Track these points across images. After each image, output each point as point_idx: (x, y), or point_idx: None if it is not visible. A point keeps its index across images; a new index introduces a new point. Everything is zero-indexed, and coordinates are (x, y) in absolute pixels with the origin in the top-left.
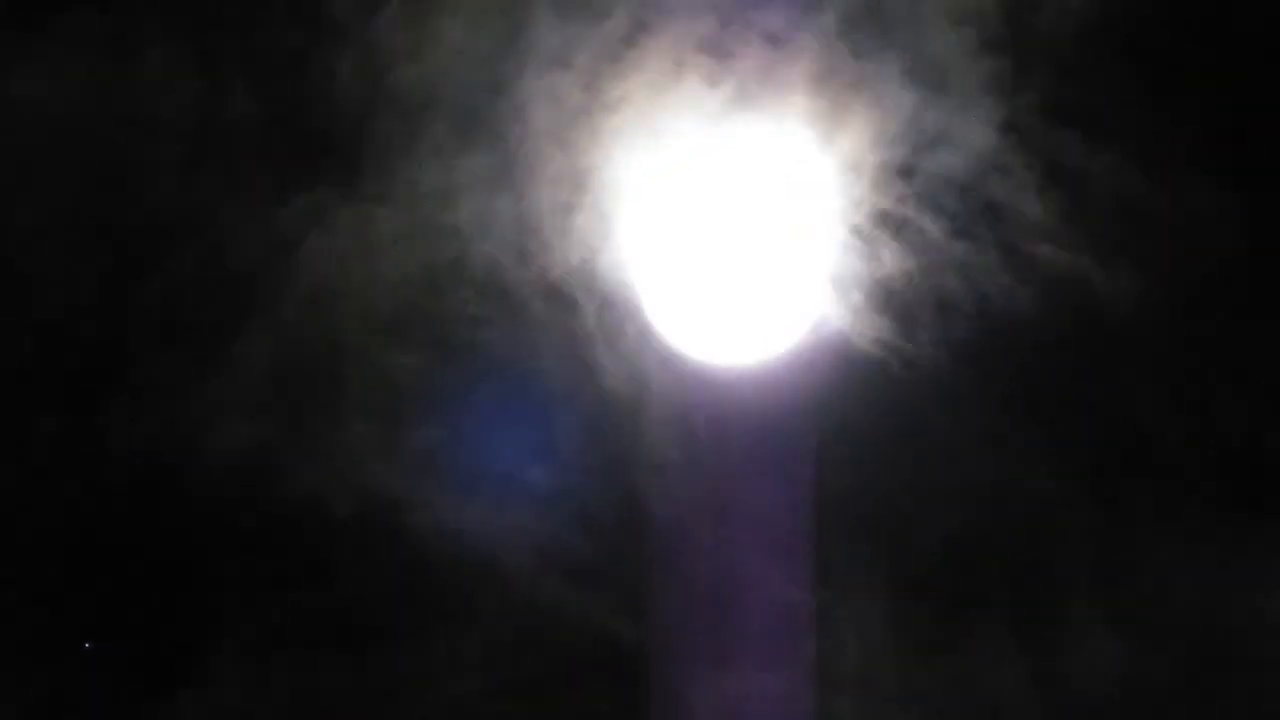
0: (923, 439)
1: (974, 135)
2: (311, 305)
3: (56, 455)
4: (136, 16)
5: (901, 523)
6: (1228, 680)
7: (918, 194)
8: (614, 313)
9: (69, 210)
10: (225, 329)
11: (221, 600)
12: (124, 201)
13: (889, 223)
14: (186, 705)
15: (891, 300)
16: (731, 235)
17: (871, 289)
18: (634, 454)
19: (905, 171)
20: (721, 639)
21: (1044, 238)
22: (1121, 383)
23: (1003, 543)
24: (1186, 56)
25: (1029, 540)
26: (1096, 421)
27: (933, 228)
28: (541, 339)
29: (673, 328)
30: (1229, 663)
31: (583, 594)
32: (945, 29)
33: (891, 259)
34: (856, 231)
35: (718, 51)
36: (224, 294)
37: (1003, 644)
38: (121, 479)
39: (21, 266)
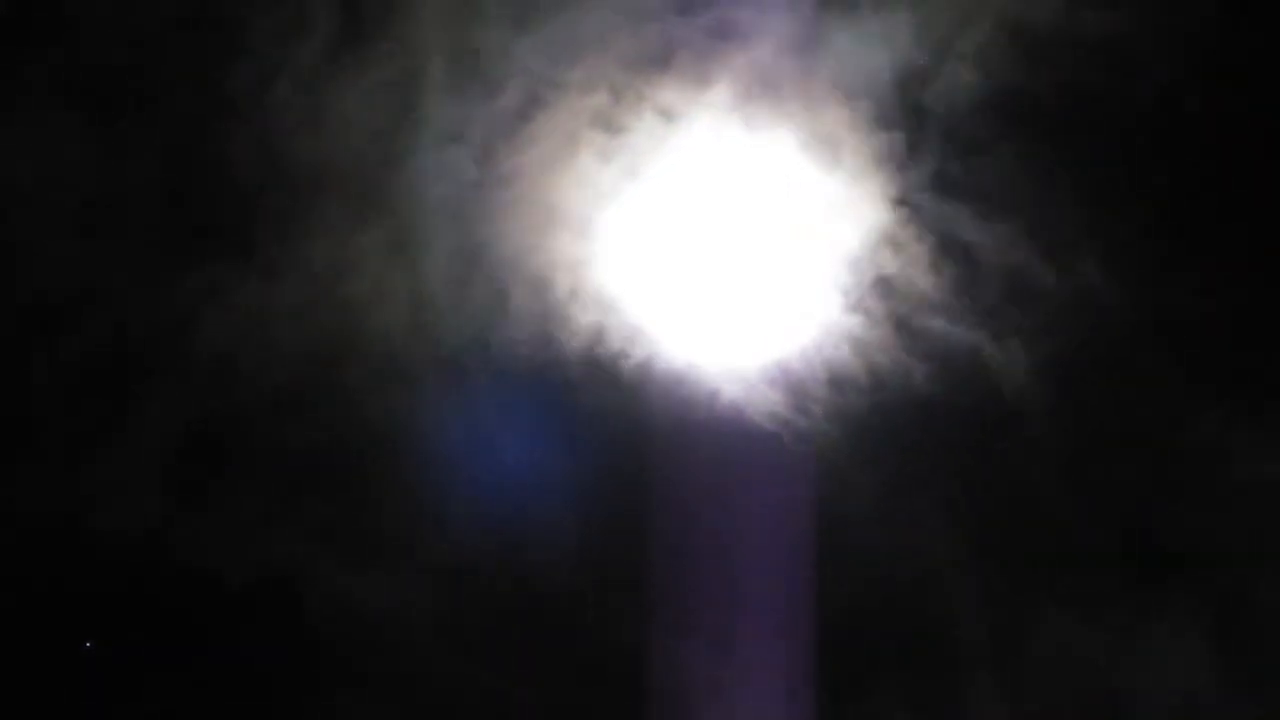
0: (814, 512)
1: (866, 209)
2: (207, 380)
3: None
4: (30, 87)
5: (794, 593)
6: None
7: (810, 266)
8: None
9: None
10: (121, 403)
11: (113, 675)
12: (17, 274)
13: (781, 295)
14: None
15: (784, 374)
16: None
17: (764, 362)
18: (525, 538)
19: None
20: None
21: (936, 312)
22: (1014, 456)
23: (896, 614)
24: (1078, 132)
25: (922, 612)
26: (989, 495)
27: (826, 301)
28: (439, 410)
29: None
30: None
31: (479, 666)
32: (838, 103)
33: (784, 333)
34: (747, 300)
35: (610, 126)
36: (120, 368)
37: (896, 715)
38: (13, 553)
39: None
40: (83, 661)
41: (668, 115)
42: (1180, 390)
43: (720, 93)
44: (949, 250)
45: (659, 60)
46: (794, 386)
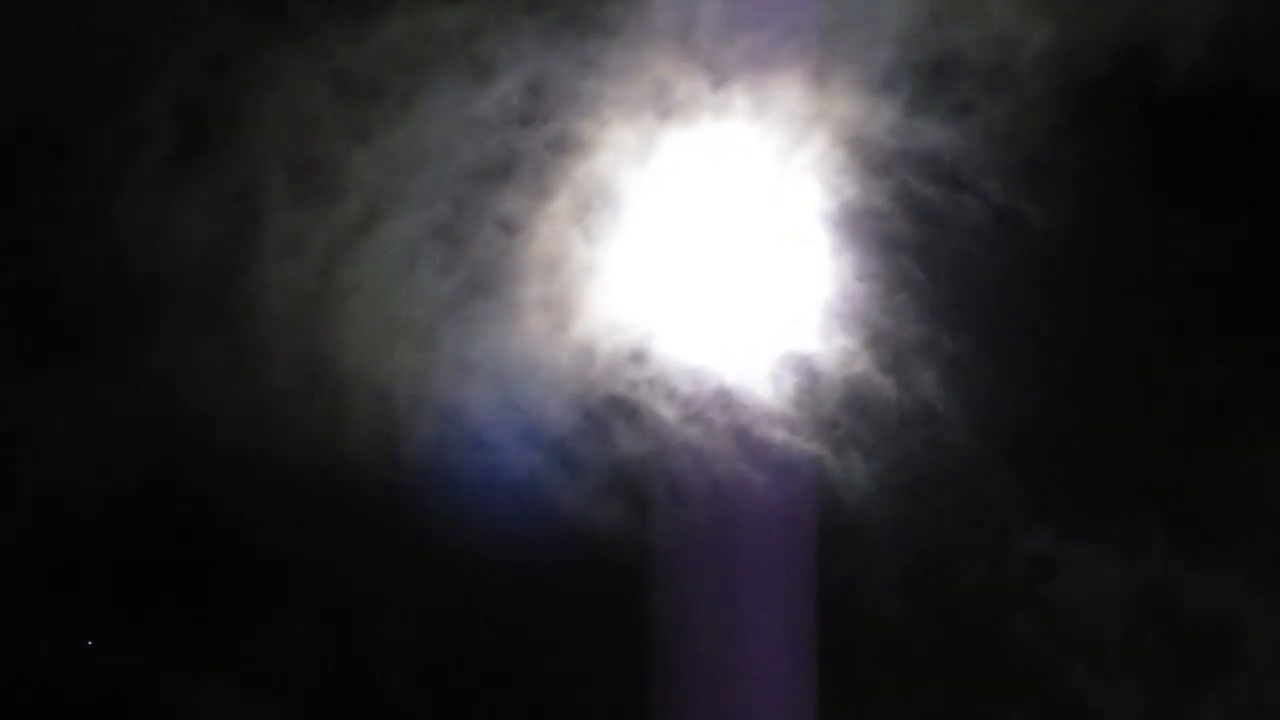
0: (658, 624)
1: (706, 320)
2: (49, 487)
3: None
4: None
5: (642, 711)
6: None
7: (650, 379)
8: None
9: None
10: None
11: None
12: None
13: (621, 408)
14: None
15: (624, 484)
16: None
17: (604, 473)
18: (366, 649)
19: (638, 357)
20: None
21: (776, 423)
22: (853, 565)
23: None
24: (917, 246)
25: (769, 715)
26: (829, 603)
27: (665, 413)
28: (280, 520)
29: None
30: None
31: None
32: (676, 213)
33: (625, 443)
34: (588, 416)
35: (450, 237)
36: None
37: None
38: None
39: None
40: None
41: (509, 226)
42: (1014, 502)
43: (558, 204)
44: (788, 362)
45: (500, 171)
46: (635, 497)
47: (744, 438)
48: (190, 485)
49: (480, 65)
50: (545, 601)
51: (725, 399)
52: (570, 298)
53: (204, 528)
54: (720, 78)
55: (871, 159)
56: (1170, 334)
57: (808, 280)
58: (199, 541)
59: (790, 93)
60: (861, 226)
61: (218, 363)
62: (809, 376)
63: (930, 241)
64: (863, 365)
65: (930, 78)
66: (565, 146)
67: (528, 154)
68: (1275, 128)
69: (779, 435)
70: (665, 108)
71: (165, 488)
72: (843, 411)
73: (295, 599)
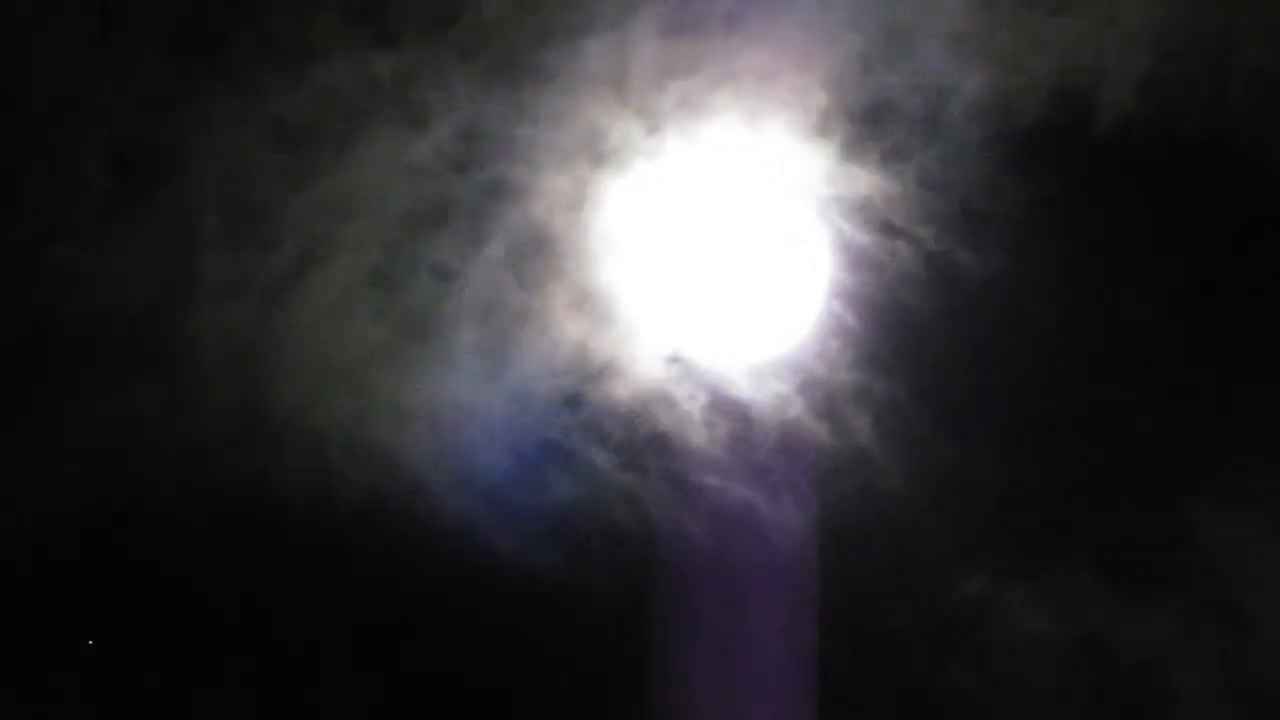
0: (597, 670)
1: (639, 367)
2: None
3: None
4: None
5: None
6: None
7: (584, 425)
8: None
9: None
10: None
11: None
12: None
13: (557, 453)
14: None
15: (560, 530)
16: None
17: (539, 519)
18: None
19: (572, 402)
20: None
21: (710, 469)
22: (786, 610)
23: None
24: (845, 294)
25: None
26: (762, 647)
27: (600, 458)
28: (214, 566)
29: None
30: None
31: None
32: (610, 259)
33: (559, 489)
34: (523, 462)
35: (385, 283)
36: None
37: None
38: None
39: None
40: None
41: (443, 272)
42: (947, 548)
43: (495, 249)
44: (722, 408)
45: (435, 217)
46: (570, 543)
47: (678, 483)
48: (123, 532)
49: (415, 111)
50: (483, 650)
51: (659, 444)
52: (505, 344)
53: (137, 575)
54: (654, 123)
55: (805, 205)
56: (1103, 381)
57: (740, 327)
58: (131, 589)
59: (721, 139)
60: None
61: (151, 408)
62: (743, 422)
63: (863, 288)
64: (796, 411)
65: (863, 124)
66: (500, 192)
67: (462, 200)
68: (1205, 175)
69: (713, 481)
70: (599, 153)
71: (97, 535)
72: (776, 457)
73: (229, 647)
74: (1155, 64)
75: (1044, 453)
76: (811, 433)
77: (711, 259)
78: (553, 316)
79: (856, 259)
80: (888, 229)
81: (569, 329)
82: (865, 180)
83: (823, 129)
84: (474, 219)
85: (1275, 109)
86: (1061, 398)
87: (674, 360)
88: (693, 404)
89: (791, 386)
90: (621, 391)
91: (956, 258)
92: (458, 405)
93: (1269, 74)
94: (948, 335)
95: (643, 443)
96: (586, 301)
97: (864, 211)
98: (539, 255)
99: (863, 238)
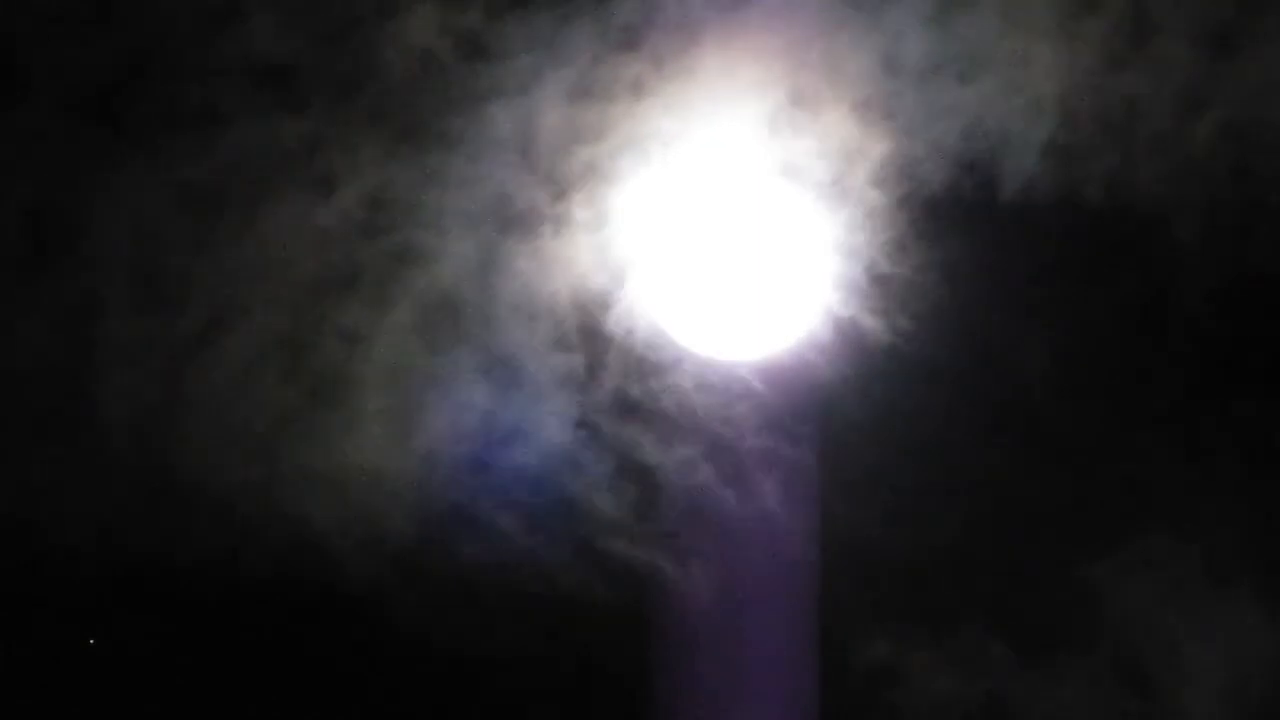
0: None
1: (547, 431)
2: None
3: None
4: None
5: None
6: None
7: (490, 489)
8: None
9: None
10: None
11: None
12: None
13: (463, 517)
14: None
15: (468, 595)
16: None
17: (445, 584)
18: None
19: (478, 467)
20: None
21: (617, 534)
22: (693, 676)
23: None
24: (755, 366)
25: None
26: (669, 714)
27: (507, 523)
28: (121, 636)
29: None
30: None
31: None
32: (518, 324)
33: (465, 554)
34: (428, 527)
35: (292, 348)
36: None
37: None
38: None
39: None
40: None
41: (351, 337)
42: (854, 612)
43: (401, 313)
44: (629, 473)
45: (342, 282)
46: (475, 608)
47: (584, 548)
48: (25, 599)
49: (322, 176)
50: (385, 717)
51: (566, 509)
52: (413, 408)
53: (36, 643)
54: (560, 189)
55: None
56: (1009, 445)
57: (646, 391)
58: (32, 658)
59: (629, 205)
60: (701, 341)
61: (56, 474)
62: (650, 487)
63: (766, 352)
64: (703, 476)
65: (770, 187)
66: (407, 257)
67: (370, 265)
68: (1109, 241)
69: (619, 546)
70: (506, 218)
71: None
72: (684, 522)
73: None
74: (1060, 131)
75: (950, 518)
76: (719, 498)
77: (620, 321)
78: (461, 381)
79: (762, 321)
80: (793, 293)
81: (477, 394)
82: (770, 243)
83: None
84: (382, 284)
85: (1178, 177)
86: (967, 463)
87: (580, 424)
88: (600, 468)
89: (698, 451)
90: (529, 456)
91: (862, 323)
92: (366, 470)
93: (1172, 142)
94: (854, 400)
95: (550, 507)
96: (494, 366)
97: (770, 274)
98: (447, 320)
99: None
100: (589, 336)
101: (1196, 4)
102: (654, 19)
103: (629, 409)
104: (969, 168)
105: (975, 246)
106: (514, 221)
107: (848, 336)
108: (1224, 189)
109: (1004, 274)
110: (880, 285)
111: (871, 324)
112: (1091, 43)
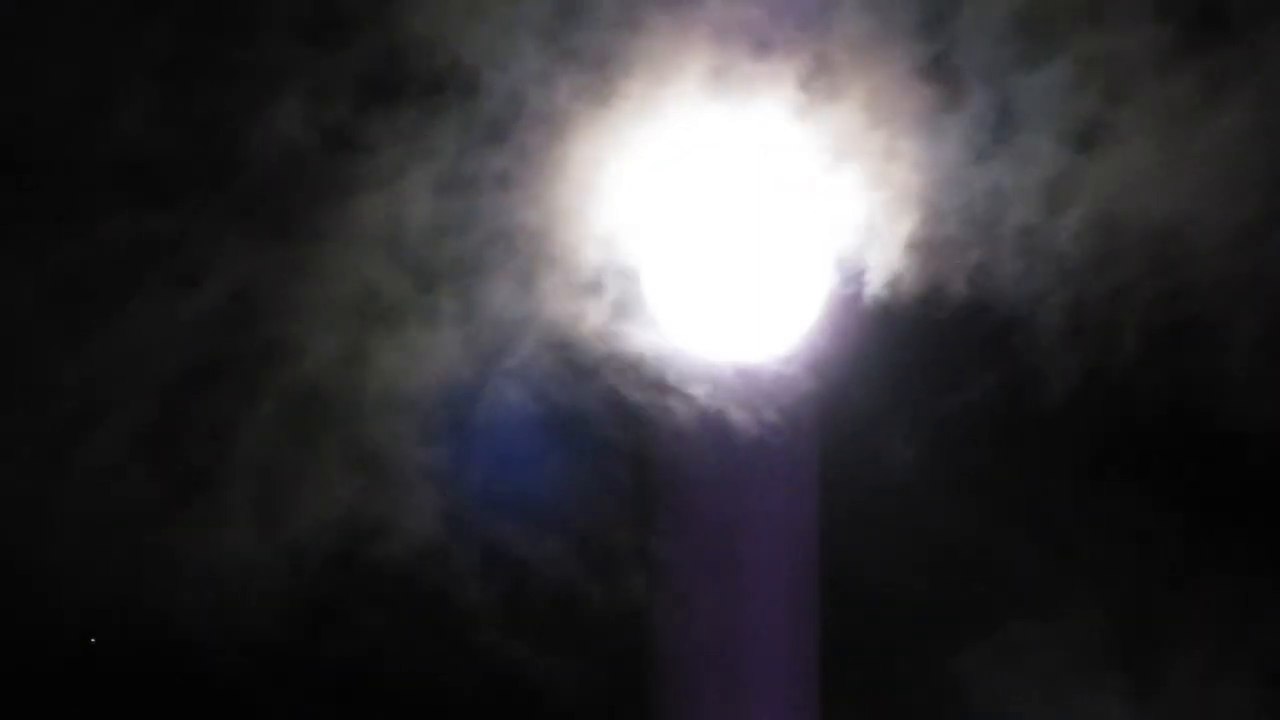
0: None
1: (414, 523)
2: None
3: None
4: None
5: None
6: None
7: (357, 582)
8: None
9: None
10: None
11: None
12: None
13: (329, 612)
14: None
15: (335, 689)
16: None
17: (312, 678)
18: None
19: (345, 560)
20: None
21: (485, 625)
22: None
23: None
24: (626, 451)
25: None
26: None
27: (373, 615)
28: None
29: None
30: None
31: None
32: (386, 416)
33: (332, 648)
34: (295, 619)
35: (159, 441)
36: None
37: None
38: None
39: None
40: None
41: (218, 430)
42: (723, 706)
43: (267, 406)
44: (497, 565)
45: (209, 375)
46: (344, 702)
47: (452, 642)
48: None
49: (189, 269)
50: None
51: (433, 600)
52: (279, 502)
53: None
54: (428, 281)
55: (579, 363)
56: (873, 540)
57: (516, 482)
58: None
59: (497, 297)
60: (570, 430)
61: None
62: (517, 580)
63: (638, 445)
64: (572, 568)
65: (635, 280)
66: (273, 350)
67: (237, 358)
68: (972, 334)
69: (487, 639)
70: (373, 312)
71: None
72: (552, 614)
73: None
74: (924, 225)
75: (817, 611)
76: (586, 592)
77: (486, 413)
78: (327, 474)
79: (630, 417)
80: (661, 387)
81: (343, 487)
82: (638, 337)
83: (595, 287)
84: (248, 377)
85: (1043, 271)
86: (833, 557)
87: (450, 516)
88: (467, 561)
89: (567, 544)
90: (395, 549)
91: (730, 415)
92: (231, 563)
93: (1036, 235)
94: (722, 493)
95: (416, 601)
96: (361, 459)
97: (638, 369)
98: (314, 413)
99: (636, 395)
100: (457, 429)
101: (1060, 99)
102: (520, 112)
103: (496, 500)
104: (835, 261)
105: (841, 341)
106: (381, 314)
107: (716, 428)
108: (1087, 283)
109: (869, 368)
110: (746, 378)
111: (740, 417)
112: (955, 137)
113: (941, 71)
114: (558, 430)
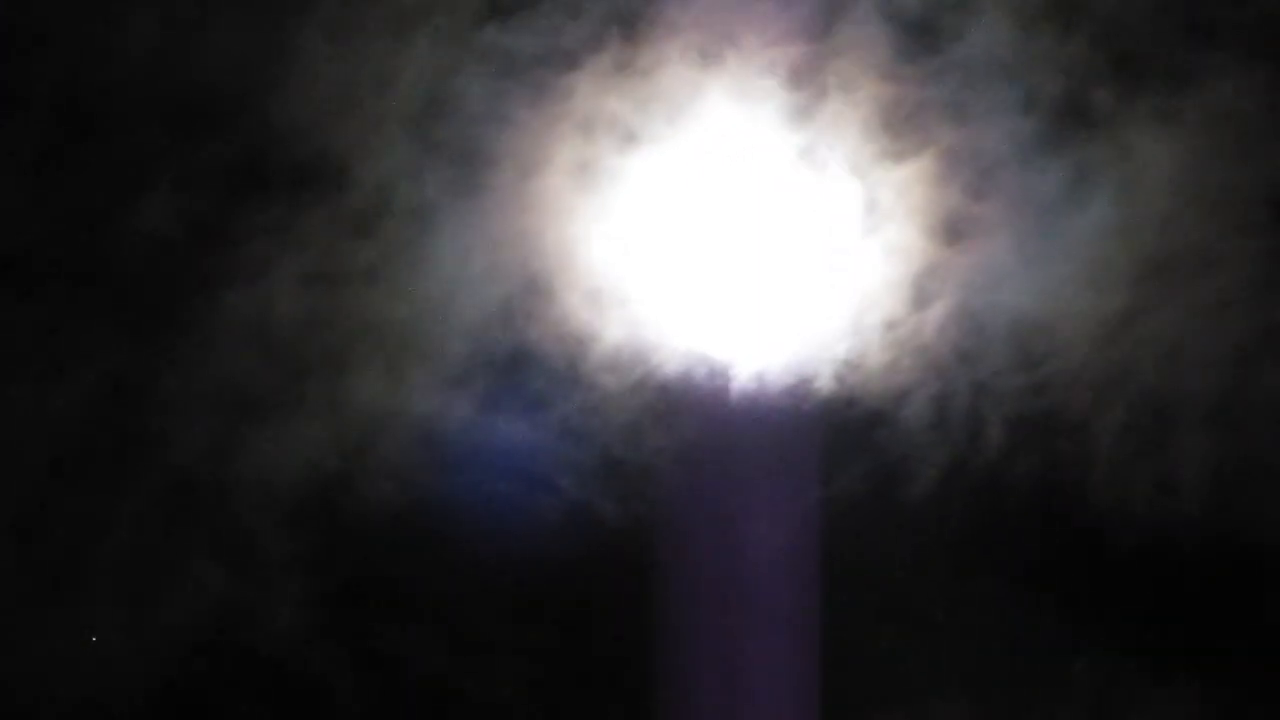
0: None
1: (280, 612)
2: None
3: None
4: None
5: None
6: None
7: (226, 678)
8: None
9: None
10: None
11: None
12: None
13: (197, 700)
14: None
15: None
16: None
17: None
18: None
19: (212, 649)
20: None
21: (353, 716)
22: None
23: None
24: (497, 541)
25: None
26: None
27: (242, 704)
28: None
29: None
30: None
31: None
32: (254, 505)
33: None
34: (160, 707)
35: (26, 534)
36: None
37: None
38: None
39: None
40: None
41: (87, 521)
42: None
43: (133, 502)
44: (365, 654)
45: (77, 467)
46: None
47: None
48: None
49: (58, 360)
50: None
51: (302, 689)
52: (147, 590)
53: None
54: (296, 373)
55: (446, 455)
56: (730, 625)
57: (381, 576)
58: None
59: (364, 390)
60: (436, 521)
61: None
62: (388, 670)
63: (505, 538)
64: (441, 662)
65: (504, 374)
66: (142, 441)
67: (105, 448)
68: (836, 427)
69: None
70: (242, 403)
71: None
72: (422, 706)
73: None
74: (789, 324)
75: (688, 701)
76: (459, 688)
77: (353, 513)
78: (195, 564)
79: (499, 509)
80: (528, 479)
81: (211, 576)
82: (505, 430)
83: (463, 379)
84: (117, 467)
85: (909, 364)
86: (698, 648)
87: (318, 606)
88: (335, 650)
89: (436, 634)
90: (260, 640)
91: (597, 507)
92: (97, 655)
93: (901, 331)
94: (588, 586)
95: (285, 690)
96: (229, 549)
97: (504, 462)
98: (182, 503)
99: (504, 487)
100: (325, 518)
101: (925, 193)
102: (387, 205)
103: (363, 590)
104: (701, 356)
105: (708, 433)
106: (249, 405)
107: (582, 521)
108: (953, 376)
109: (736, 460)
110: (614, 470)
111: (607, 509)
112: (822, 230)
113: (807, 165)
114: (424, 521)
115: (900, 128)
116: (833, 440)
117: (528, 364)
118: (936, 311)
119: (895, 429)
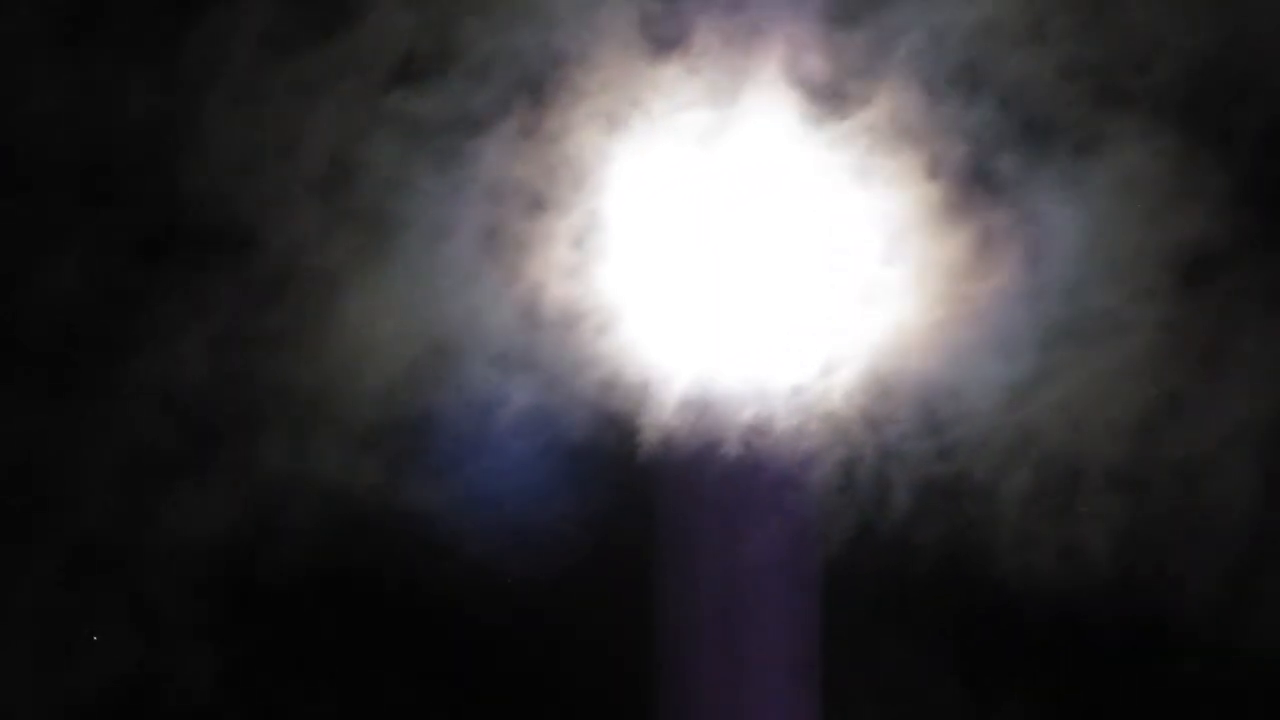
0: None
1: (192, 680)
2: None
3: None
4: None
5: None
6: None
7: None
8: None
9: None
10: None
11: None
12: None
13: None
14: None
15: None
16: None
17: None
18: None
19: (119, 716)
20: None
21: None
22: None
23: None
24: (392, 612)
25: None
26: None
27: None
28: None
29: None
30: None
31: None
32: (160, 569)
33: None
34: None
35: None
36: None
37: None
38: None
39: None
40: None
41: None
42: None
43: (41, 563)
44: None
45: None
46: None
47: None
48: None
49: None
50: None
51: None
52: (53, 661)
53: None
54: (204, 437)
55: (351, 521)
56: (646, 693)
57: (287, 641)
58: None
59: (270, 458)
60: (345, 588)
61: None
62: None
63: (411, 605)
64: None
65: (411, 438)
66: (48, 506)
67: (11, 514)
68: (743, 498)
69: None
70: (149, 468)
71: None
72: None
73: None
74: (696, 383)
75: None
76: None
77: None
78: (102, 631)
79: (408, 574)
80: (433, 546)
81: (118, 644)
82: (412, 494)
83: (369, 443)
84: (22, 533)
85: (814, 430)
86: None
87: (227, 676)
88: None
89: (342, 704)
90: (169, 708)
91: (504, 573)
92: None
93: (807, 393)
94: (494, 654)
95: None
96: (136, 616)
97: (410, 527)
98: (88, 570)
99: (409, 554)
100: (234, 584)
101: (832, 256)
102: (295, 270)
103: (274, 658)
104: (610, 420)
105: (617, 499)
106: (157, 470)
107: (488, 588)
108: (859, 441)
109: (640, 526)
110: (523, 534)
111: (518, 572)
112: (729, 294)
113: (712, 229)
114: (333, 586)
115: (807, 191)
116: (738, 505)
117: (435, 428)
118: (843, 377)
119: (801, 494)
